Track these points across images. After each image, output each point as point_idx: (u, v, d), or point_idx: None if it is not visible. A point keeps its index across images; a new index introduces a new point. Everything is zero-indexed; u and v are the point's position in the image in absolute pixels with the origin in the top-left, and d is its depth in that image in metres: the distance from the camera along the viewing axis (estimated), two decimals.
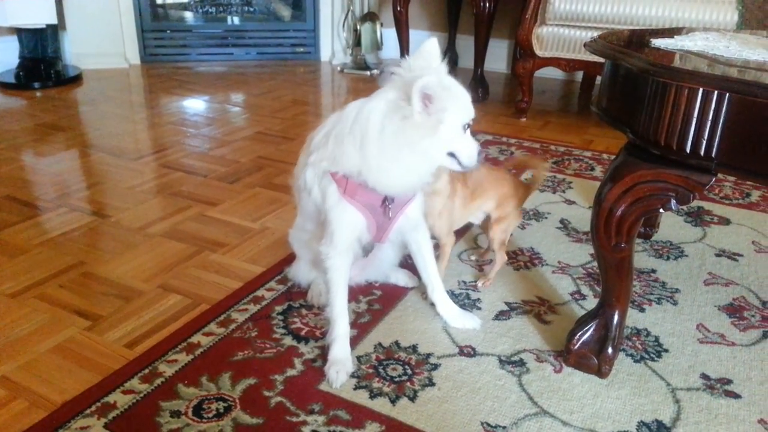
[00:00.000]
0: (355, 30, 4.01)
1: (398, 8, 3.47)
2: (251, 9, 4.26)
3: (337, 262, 1.27)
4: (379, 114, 1.14)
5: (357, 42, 4.01)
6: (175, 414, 1.13)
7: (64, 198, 2.04)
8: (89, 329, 1.38)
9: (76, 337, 1.35)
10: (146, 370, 1.24)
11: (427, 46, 1.19)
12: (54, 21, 3.38)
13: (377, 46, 4.03)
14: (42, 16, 3.30)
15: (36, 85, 3.37)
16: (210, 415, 1.13)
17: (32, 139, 2.61)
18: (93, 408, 1.14)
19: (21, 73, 3.41)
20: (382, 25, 4.01)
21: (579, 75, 3.71)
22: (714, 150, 0.99)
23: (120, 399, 1.16)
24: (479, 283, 1.58)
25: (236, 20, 4.25)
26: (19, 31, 3.36)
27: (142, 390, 1.19)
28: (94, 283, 1.56)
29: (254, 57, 4.18)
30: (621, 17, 2.66)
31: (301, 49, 4.25)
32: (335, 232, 1.25)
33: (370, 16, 4.00)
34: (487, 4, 3.17)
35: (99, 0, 3.69)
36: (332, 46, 4.23)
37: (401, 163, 1.16)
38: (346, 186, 1.21)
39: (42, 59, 3.44)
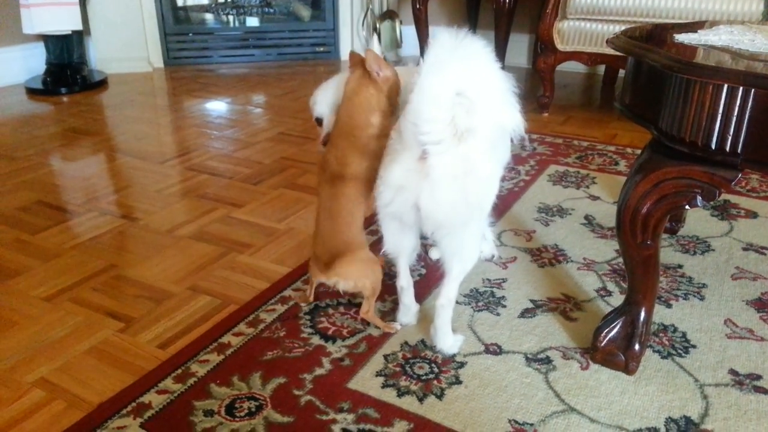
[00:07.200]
0: (375, 28, 4.02)
1: (417, 5, 3.47)
2: (271, 10, 4.30)
3: None
4: None
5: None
6: (209, 413, 1.16)
7: (94, 202, 2.09)
8: (122, 331, 1.41)
9: (110, 339, 1.39)
10: (179, 371, 1.27)
11: None
12: (79, 27, 3.44)
13: (397, 43, 4.04)
14: (67, 23, 3.36)
15: (63, 90, 3.43)
16: (242, 414, 1.16)
17: (60, 144, 2.66)
18: (129, 408, 1.17)
19: (48, 79, 3.49)
20: (401, 22, 4.02)
21: (601, 68, 3.68)
22: (740, 146, 0.99)
23: (155, 399, 1.19)
24: None
25: (256, 22, 4.29)
26: (46, 38, 3.43)
27: (175, 390, 1.21)
28: (125, 286, 1.60)
29: (275, 58, 4.22)
30: (643, 10, 2.63)
31: (321, 49, 4.27)
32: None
33: (389, 14, 4.01)
34: None
35: (122, 5, 3.75)
36: (352, 44, 4.24)
37: None
38: None
39: (68, 65, 3.50)
